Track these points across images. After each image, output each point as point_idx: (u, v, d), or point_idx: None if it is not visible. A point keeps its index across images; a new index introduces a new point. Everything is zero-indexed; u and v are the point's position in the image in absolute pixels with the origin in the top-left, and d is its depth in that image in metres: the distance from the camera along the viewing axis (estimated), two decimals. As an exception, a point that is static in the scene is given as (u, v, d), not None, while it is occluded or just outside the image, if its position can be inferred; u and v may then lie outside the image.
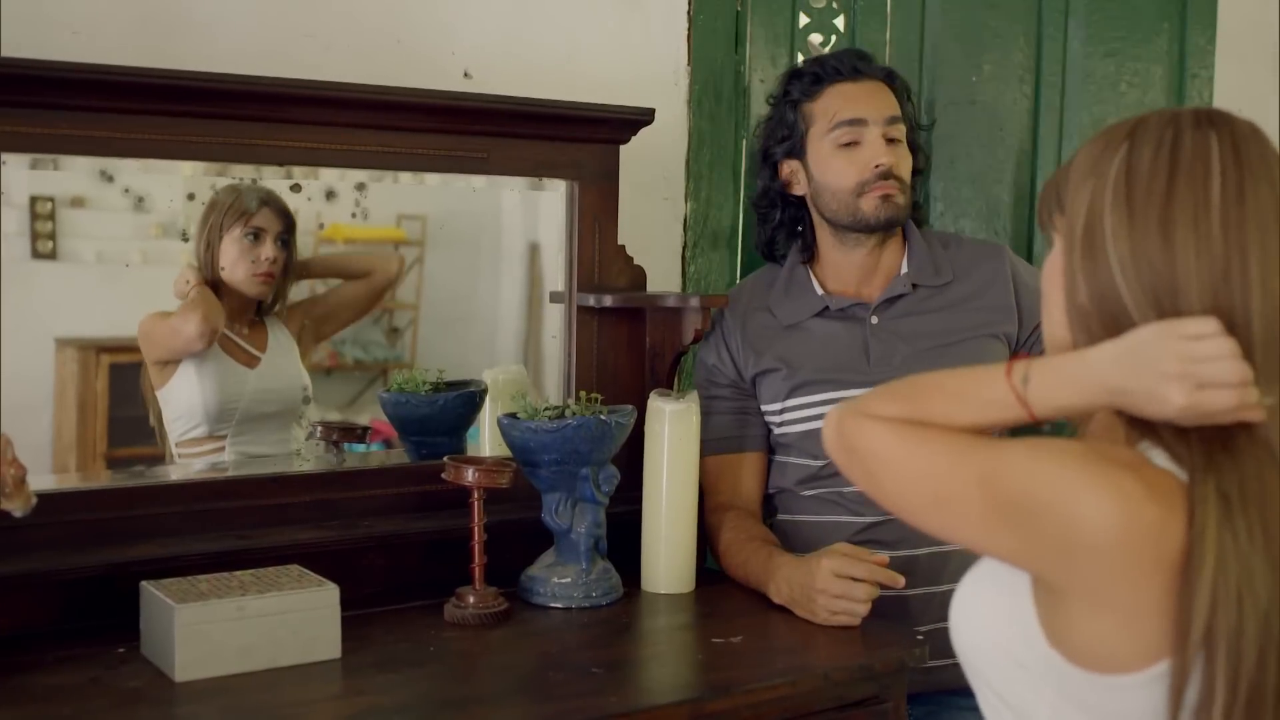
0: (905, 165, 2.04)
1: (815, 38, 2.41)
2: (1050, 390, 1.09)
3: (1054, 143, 2.45)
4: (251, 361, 2.02)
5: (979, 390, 1.12)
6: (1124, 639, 1.03)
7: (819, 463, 2.00)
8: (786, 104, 2.07)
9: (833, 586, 1.76)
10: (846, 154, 2.01)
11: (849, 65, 2.03)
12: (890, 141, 2.01)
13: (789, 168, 2.08)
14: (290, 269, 2.04)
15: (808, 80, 2.05)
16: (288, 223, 2.01)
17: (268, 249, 1.98)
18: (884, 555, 1.79)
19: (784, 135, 2.07)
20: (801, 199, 2.10)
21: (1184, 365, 1.02)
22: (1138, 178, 1.08)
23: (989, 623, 1.14)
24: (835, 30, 2.42)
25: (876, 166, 1.99)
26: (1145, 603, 1.02)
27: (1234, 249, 1.05)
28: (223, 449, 1.99)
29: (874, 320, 2.03)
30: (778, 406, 2.04)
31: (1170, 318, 1.05)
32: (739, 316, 2.09)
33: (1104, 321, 1.10)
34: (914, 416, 1.12)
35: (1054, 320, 1.18)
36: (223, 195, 1.95)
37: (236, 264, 1.97)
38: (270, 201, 1.99)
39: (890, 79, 2.06)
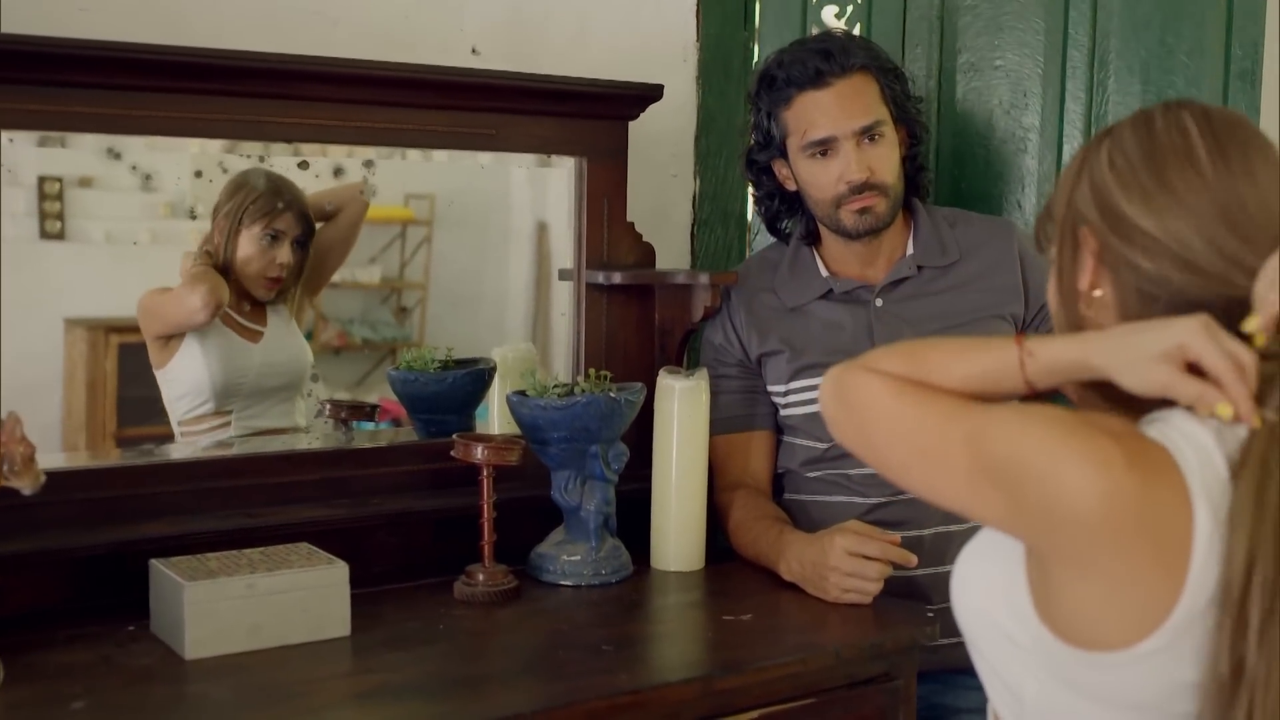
0: (886, 165, 1.98)
1: (830, 10, 2.37)
2: (1050, 346, 1.13)
3: (1082, 108, 2.27)
4: (254, 337, 2.01)
5: (982, 347, 1.16)
6: (1108, 612, 1.03)
7: (824, 445, 1.99)
8: (762, 112, 2.03)
9: (845, 564, 1.76)
10: (821, 165, 1.98)
11: (812, 71, 1.95)
12: (870, 140, 1.96)
13: (779, 167, 2.07)
14: (302, 273, 2.03)
15: (778, 87, 1.99)
16: (307, 227, 2.01)
17: (283, 253, 1.98)
18: (895, 535, 1.79)
19: (765, 142, 2.04)
20: (797, 193, 2.08)
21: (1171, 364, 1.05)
22: (1122, 157, 1.14)
23: (983, 596, 1.14)
24: (851, 0, 2.36)
25: (848, 183, 1.96)
26: (1127, 573, 1.02)
27: (1223, 181, 1.10)
28: (228, 425, 1.98)
29: (878, 303, 2.02)
30: (782, 388, 2.03)
31: (1186, 263, 1.10)
32: (744, 297, 2.08)
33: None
34: (913, 373, 1.15)
35: (1061, 325, 1.21)
36: (248, 183, 1.94)
37: (250, 261, 1.97)
38: (294, 205, 1.98)
39: (865, 67, 1.97)
